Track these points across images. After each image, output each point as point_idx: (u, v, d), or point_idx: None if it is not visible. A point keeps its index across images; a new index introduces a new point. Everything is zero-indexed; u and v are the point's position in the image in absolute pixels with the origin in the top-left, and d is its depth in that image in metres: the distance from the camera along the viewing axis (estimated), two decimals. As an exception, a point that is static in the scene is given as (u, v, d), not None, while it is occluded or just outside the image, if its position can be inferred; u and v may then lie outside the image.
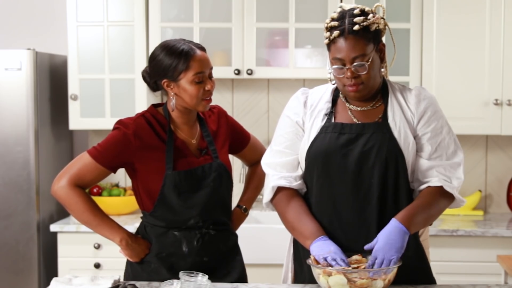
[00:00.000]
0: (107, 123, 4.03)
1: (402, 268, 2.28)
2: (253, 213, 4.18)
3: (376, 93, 2.42)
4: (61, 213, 4.17)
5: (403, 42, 3.96)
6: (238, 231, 2.80)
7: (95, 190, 4.18)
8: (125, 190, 4.24)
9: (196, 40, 3.99)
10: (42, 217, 4.02)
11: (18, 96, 3.92)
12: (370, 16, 2.33)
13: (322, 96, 2.48)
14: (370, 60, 2.31)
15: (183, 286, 2.27)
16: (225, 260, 2.66)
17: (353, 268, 2.23)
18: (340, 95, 2.46)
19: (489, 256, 3.76)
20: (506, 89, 3.97)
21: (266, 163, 2.50)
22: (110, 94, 4.12)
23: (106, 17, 4.10)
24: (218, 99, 4.29)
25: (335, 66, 2.33)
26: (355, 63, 2.30)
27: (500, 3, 3.95)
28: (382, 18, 2.37)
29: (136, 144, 2.53)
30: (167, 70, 2.52)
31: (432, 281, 2.48)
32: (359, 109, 2.42)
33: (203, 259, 2.60)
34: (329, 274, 2.20)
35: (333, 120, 2.42)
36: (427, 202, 2.34)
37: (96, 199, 3.96)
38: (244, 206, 2.84)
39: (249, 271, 2.77)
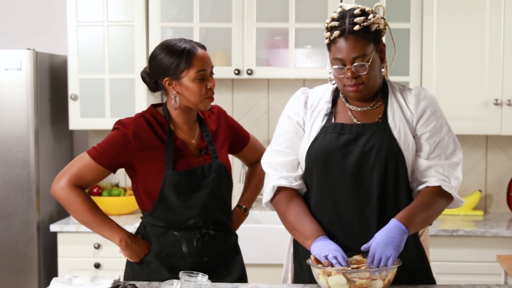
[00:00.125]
0: (107, 123, 4.03)
1: (402, 268, 2.28)
2: (253, 213, 4.18)
3: (376, 93, 2.42)
4: (61, 213, 4.17)
5: (403, 42, 3.96)
6: (238, 231, 2.80)
7: (95, 190, 4.18)
8: (125, 190, 4.24)
9: (196, 40, 3.99)
10: (42, 217, 4.02)
11: (18, 96, 3.92)
12: (371, 16, 2.33)
13: (322, 96, 2.48)
14: (370, 60, 2.31)
15: (183, 286, 2.27)
16: (225, 260, 2.66)
17: (353, 268, 2.23)
18: (340, 95, 2.46)
19: (489, 256, 3.76)
20: (506, 89, 3.97)
21: (266, 162, 2.50)
22: (110, 94, 4.12)
23: (106, 17, 4.10)
24: (218, 99, 4.29)
25: (335, 66, 2.33)
26: (355, 63, 2.30)
27: (500, 3, 3.95)
28: (383, 18, 2.37)
29: (135, 144, 2.53)
30: (169, 69, 2.52)
31: (432, 281, 2.48)
32: (359, 109, 2.42)
33: (203, 259, 2.60)
34: (329, 274, 2.20)
35: (333, 120, 2.42)
36: (426, 202, 2.34)
37: (96, 199, 3.96)
38: (244, 206, 2.84)
39: (249, 271, 2.77)
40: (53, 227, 3.92)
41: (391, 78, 2.51)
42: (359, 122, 2.40)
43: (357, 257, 2.30)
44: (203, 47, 2.58)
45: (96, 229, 2.60)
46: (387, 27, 2.39)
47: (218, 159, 2.63)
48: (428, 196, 2.35)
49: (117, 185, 4.30)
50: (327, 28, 2.35)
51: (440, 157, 2.38)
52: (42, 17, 4.48)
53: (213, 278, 2.46)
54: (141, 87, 4.02)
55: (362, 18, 2.31)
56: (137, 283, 2.45)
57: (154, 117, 2.60)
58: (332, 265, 2.23)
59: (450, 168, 2.38)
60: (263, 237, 3.83)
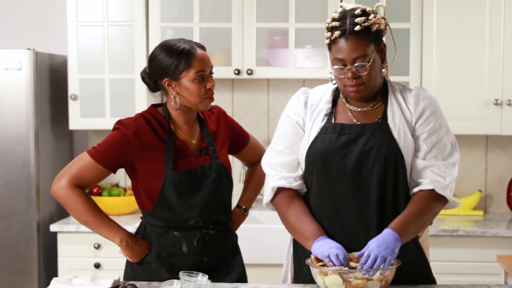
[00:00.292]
0: (107, 123, 4.03)
1: (402, 268, 2.28)
2: (253, 213, 4.19)
3: (377, 93, 2.42)
4: (61, 213, 4.17)
5: (403, 42, 3.96)
6: (238, 231, 2.80)
7: (95, 190, 4.18)
8: (125, 190, 4.24)
9: (196, 40, 3.99)
10: (42, 217, 4.02)
11: (18, 96, 3.92)
12: (371, 16, 2.32)
13: (322, 96, 2.48)
14: (371, 61, 2.31)
15: (183, 286, 2.27)
16: (225, 260, 2.66)
17: (350, 268, 2.23)
18: (341, 95, 2.46)
19: (489, 256, 3.76)
20: (506, 89, 3.97)
21: (266, 163, 2.50)
22: (110, 94, 4.12)
23: (106, 17, 4.10)
24: (218, 99, 4.29)
25: (336, 67, 2.33)
26: (356, 64, 2.30)
27: (500, 3, 3.95)
28: (383, 18, 2.37)
29: (136, 145, 2.53)
30: (168, 69, 2.52)
31: (432, 281, 2.48)
32: (359, 109, 2.42)
33: (203, 259, 2.60)
34: (326, 274, 2.21)
35: (333, 121, 2.42)
36: (420, 209, 2.32)
37: (96, 199, 3.96)
38: (243, 206, 2.84)
39: (249, 271, 2.77)
40: (53, 227, 3.92)
41: (391, 78, 2.51)
42: (359, 123, 2.40)
43: (356, 253, 2.30)
44: (203, 47, 2.58)
45: (96, 229, 2.60)
46: (387, 27, 2.39)
47: (218, 159, 2.63)
48: (421, 201, 2.34)
49: (117, 185, 4.30)
50: (327, 28, 2.34)
51: (437, 158, 2.37)
52: (42, 17, 4.48)
53: (213, 278, 2.46)
54: (141, 87, 4.02)
55: (363, 18, 2.31)
56: (137, 283, 2.45)
57: (154, 117, 2.60)
58: (334, 264, 2.23)
59: (446, 169, 2.37)
60: (263, 237, 3.83)
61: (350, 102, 2.44)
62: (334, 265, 2.24)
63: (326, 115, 2.43)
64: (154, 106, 2.66)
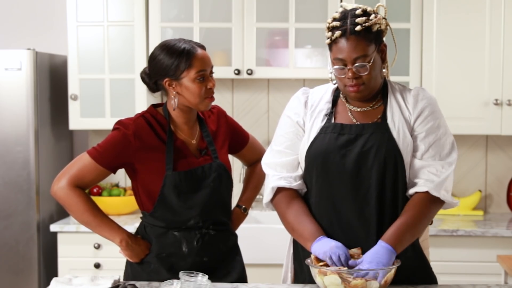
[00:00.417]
0: (107, 123, 4.03)
1: (401, 268, 2.28)
2: (253, 213, 4.19)
3: (377, 93, 2.42)
4: (61, 213, 4.17)
5: (403, 42, 3.96)
6: (238, 231, 2.80)
7: (95, 190, 4.18)
8: (125, 190, 4.24)
9: (196, 40, 3.99)
10: (42, 217, 4.02)
11: (18, 96, 3.92)
12: (372, 16, 2.32)
13: (322, 96, 2.48)
14: (371, 61, 2.31)
15: (183, 286, 2.27)
16: (225, 260, 2.66)
17: (349, 269, 2.23)
18: (341, 95, 2.46)
19: (489, 256, 3.76)
20: (506, 89, 3.97)
21: (266, 163, 2.50)
22: (110, 94, 4.12)
23: (106, 17, 4.10)
24: (218, 99, 4.29)
25: (336, 66, 2.33)
26: (356, 64, 2.30)
27: (500, 3, 3.95)
28: (384, 18, 2.37)
29: (136, 145, 2.53)
30: (169, 69, 2.52)
31: (433, 279, 2.47)
32: (359, 109, 2.42)
33: (203, 259, 2.60)
34: (325, 274, 2.21)
35: (333, 121, 2.42)
36: (415, 216, 2.31)
37: (96, 199, 3.96)
38: (243, 206, 2.85)
39: (249, 271, 2.77)
40: (53, 227, 3.92)
41: (391, 78, 2.51)
42: (358, 122, 2.40)
43: (355, 250, 2.30)
44: (203, 47, 2.58)
45: (96, 229, 2.60)
46: (388, 27, 2.39)
47: (218, 159, 2.63)
48: (417, 208, 2.33)
49: (117, 185, 4.30)
50: (328, 28, 2.34)
51: (434, 158, 2.36)
52: (42, 17, 4.48)
53: (213, 278, 2.46)
54: (141, 87, 4.01)
55: (363, 18, 2.31)
56: (137, 283, 2.45)
57: (154, 117, 2.60)
58: (335, 264, 2.23)
59: (443, 169, 2.36)
60: (263, 237, 3.83)
61: (350, 102, 2.44)
62: (335, 265, 2.24)
63: (326, 115, 2.43)
64: (154, 106, 2.66)
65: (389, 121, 2.38)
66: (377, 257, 2.23)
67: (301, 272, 2.49)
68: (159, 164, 2.55)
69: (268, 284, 2.47)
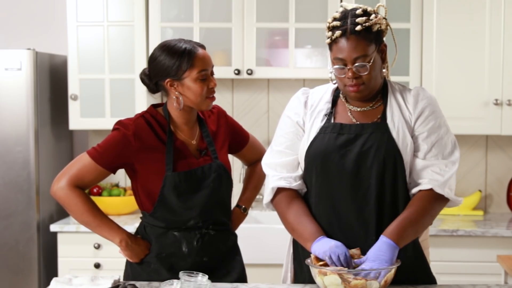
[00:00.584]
0: (107, 123, 4.03)
1: (401, 268, 2.28)
2: (253, 213, 4.19)
3: (377, 93, 2.42)
4: (61, 213, 4.17)
5: (403, 42, 3.96)
6: (238, 231, 2.80)
7: (95, 190, 4.18)
8: (125, 190, 4.24)
9: (196, 40, 3.99)
10: (42, 217, 4.02)
11: (18, 96, 3.92)
12: (373, 16, 2.32)
13: (322, 96, 2.48)
14: (371, 61, 2.31)
15: (183, 286, 2.27)
16: (225, 260, 2.66)
17: (349, 269, 2.23)
18: (341, 95, 2.46)
19: (489, 256, 3.76)
20: (506, 89, 3.97)
21: (266, 163, 2.50)
22: (110, 94, 4.12)
23: (106, 17, 4.10)
24: (218, 99, 4.29)
25: (336, 66, 2.33)
26: (356, 64, 2.30)
27: (500, 3, 3.95)
28: (384, 18, 2.37)
29: (136, 145, 2.53)
30: (170, 70, 2.52)
31: (432, 280, 2.47)
32: (358, 109, 2.42)
33: (203, 259, 2.60)
34: (325, 274, 2.21)
35: (332, 121, 2.42)
36: (418, 211, 2.32)
37: (96, 199, 3.96)
38: (243, 206, 2.85)
39: (249, 271, 2.77)
40: (53, 227, 3.92)
41: (391, 78, 2.51)
42: (358, 122, 2.40)
43: (355, 251, 2.30)
44: (203, 47, 2.58)
45: (96, 229, 2.60)
46: (388, 27, 2.39)
47: (218, 160, 2.63)
48: (420, 203, 2.33)
49: (117, 185, 4.30)
50: (328, 27, 2.34)
51: (437, 157, 2.37)
52: (42, 17, 4.48)
53: (213, 278, 2.46)
54: (141, 87, 3.99)
55: (364, 18, 2.31)
56: (137, 283, 2.45)
57: (154, 118, 2.59)
58: (335, 264, 2.23)
59: (446, 167, 2.36)
60: (263, 237, 3.83)
61: (350, 102, 2.44)
62: (335, 265, 2.24)
63: (325, 115, 2.43)
64: (154, 106, 2.66)
65: (388, 121, 2.38)
66: (380, 254, 2.23)
67: (301, 272, 2.49)
68: (159, 164, 2.55)
69: (268, 284, 2.47)
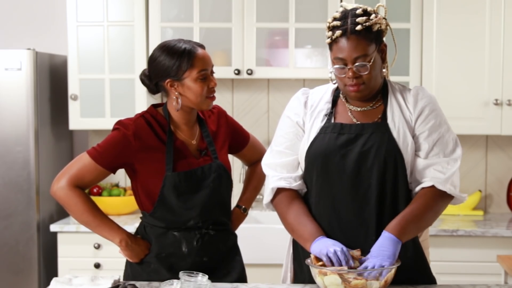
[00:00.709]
0: (107, 123, 4.03)
1: (401, 268, 2.28)
2: (253, 213, 4.19)
3: (377, 93, 2.42)
4: (61, 213, 4.17)
5: (403, 42, 3.96)
6: (238, 231, 2.80)
7: (95, 190, 4.18)
8: (125, 190, 4.24)
9: (196, 40, 3.99)
10: (42, 217, 4.02)
11: (18, 96, 3.92)
12: (373, 16, 2.33)
13: (322, 96, 2.48)
14: (371, 61, 2.31)
15: (183, 286, 2.27)
16: (225, 260, 2.66)
17: (350, 268, 2.23)
18: (341, 95, 2.46)
19: (489, 256, 3.76)
20: (506, 89, 3.97)
21: (266, 164, 2.50)
22: (110, 94, 4.12)
23: (106, 17, 4.10)
24: (218, 99, 4.28)
25: (336, 66, 2.33)
26: (356, 63, 2.30)
27: (500, 3, 3.95)
28: (384, 18, 2.37)
29: (136, 145, 2.53)
30: (170, 70, 2.52)
31: (432, 280, 2.47)
32: (359, 109, 2.42)
33: (202, 259, 2.60)
34: (325, 274, 2.21)
35: (333, 121, 2.42)
36: (421, 208, 2.32)
37: (96, 199, 3.96)
38: (243, 206, 2.84)
39: (249, 271, 2.77)
40: (53, 227, 3.92)
41: (391, 78, 2.51)
42: (358, 122, 2.40)
43: (355, 252, 2.30)
44: (203, 47, 2.58)
45: (96, 229, 2.60)
46: (388, 27, 2.39)
47: (218, 160, 2.63)
48: (422, 200, 2.34)
49: (117, 185, 4.30)
50: (329, 27, 2.35)
51: (439, 155, 2.37)
52: (42, 17, 4.48)
53: (213, 278, 2.46)
54: (141, 87, 3.98)
55: (364, 18, 2.31)
56: (137, 283, 2.45)
57: (154, 118, 2.59)
58: (332, 262, 2.23)
59: (449, 165, 2.36)
60: (263, 237, 3.83)
61: (350, 102, 2.44)
62: (333, 263, 2.23)
63: (326, 115, 2.43)
64: (154, 106, 2.66)
65: (389, 121, 2.38)
66: (383, 250, 2.23)
67: (301, 272, 2.49)
68: (159, 164, 2.54)
69: (268, 284, 2.47)
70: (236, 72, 4.08)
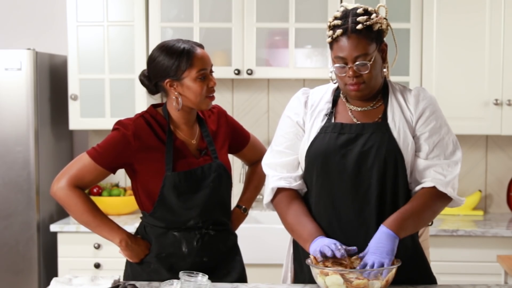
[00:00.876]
0: (107, 123, 4.03)
1: (402, 268, 2.28)
2: (253, 213, 4.19)
3: (377, 93, 2.42)
4: (61, 213, 4.17)
5: (403, 42, 3.95)
6: (238, 231, 2.80)
7: (95, 190, 4.18)
8: (125, 190, 4.24)
9: (196, 40, 3.99)
10: (42, 217, 4.02)
11: (18, 96, 3.92)
12: (373, 15, 2.33)
13: (322, 96, 2.48)
14: (372, 60, 2.31)
15: (183, 286, 2.27)
16: (225, 260, 2.66)
17: (351, 268, 2.22)
18: (341, 95, 2.46)
19: (489, 256, 3.76)
20: (506, 89, 3.97)
21: (266, 163, 2.50)
22: (110, 94, 4.12)
23: (106, 17, 4.10)
24: (218, 99, 4.29)
25: (337, 65, 2.33)
26: (357, 62, 2.30)
27: (500, 3, 3.95)
28: (385, 18, 2.37)
29: (135, 145, 2.53)
30: (170, 70, 2.52)
31: (433, 279, 2.47)
32: (359, 109, 2.42)
33: (202, 259, 2.60)
34: (326, 274, 2.20)
35: (333, 120, 2.42)
36: (419, 206, 2.33)
37: (96, 199, 3.97)
38: (243, 206, 2.84)
39: (249, 271, 2.77)
40: (53, 227, 3.92)
41: (391, 78, 2.51)
42: (358, 122, 2.40)
43: (354, 259, 2.29)
44: (201, 46, 2.58)
45: (96, 229, 2.60)
46: (389, 27, 2.39)
47: (218, 160, 2.63)
48: (421, 198, 2.34)
49: (117, 185, 4.30)
50: (329, 26, 2.35)
51: (439, 157, 2.38)
52: (42, 17, 4.48)
53: (213, 278, 2.46)
54: (141, 87, 3.95)
55: (365, 17, 2.31)
56: (137, 283, 2.45)
57: (154, 118, 2.59)
58: (326, 256, 2.22)
59: (449, 168, 2.37)
60: (263, 237, 3.83)
61: (350, 101, 2.44)
62: (326, 258, 2.23)
63: (326, 115, 2.43)
64: (154, 106, 2.66)
65: (389, 121, 2.38)
66: (380, 246, 2.23)
67: (301, 272, 2.49)
68: (158, 164, 2.54)
69: (268, 284, 2.47)
70: (236, 72, 4.08)
